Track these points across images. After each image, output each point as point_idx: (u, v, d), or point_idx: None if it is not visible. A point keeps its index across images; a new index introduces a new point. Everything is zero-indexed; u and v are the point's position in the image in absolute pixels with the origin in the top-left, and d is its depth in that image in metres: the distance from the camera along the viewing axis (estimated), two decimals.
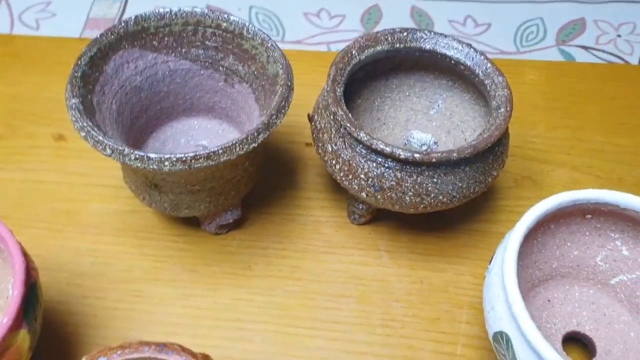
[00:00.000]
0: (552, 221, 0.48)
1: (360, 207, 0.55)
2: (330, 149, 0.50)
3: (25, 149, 0.63)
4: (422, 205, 0.48)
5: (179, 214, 0.52)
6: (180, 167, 0.43)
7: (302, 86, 0.69)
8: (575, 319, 0.49)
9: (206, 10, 0.52)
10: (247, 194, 0.54)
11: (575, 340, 0.50)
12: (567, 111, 0.68)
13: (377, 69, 0.57)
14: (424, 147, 0.58)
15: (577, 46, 0.80)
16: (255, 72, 0.52)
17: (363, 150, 0.48)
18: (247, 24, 0.52)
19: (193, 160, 0.43)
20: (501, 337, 0.41)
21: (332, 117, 0.50)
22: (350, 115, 0.48)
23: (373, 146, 0.46)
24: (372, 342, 0.51)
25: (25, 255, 0.41)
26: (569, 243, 0.49)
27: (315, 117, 0.52)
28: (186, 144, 0.58)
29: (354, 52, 0.52)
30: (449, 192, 0.48)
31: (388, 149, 0.46)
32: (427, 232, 0.57)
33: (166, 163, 0.43)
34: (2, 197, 0.59)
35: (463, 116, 0.57)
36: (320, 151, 0.51)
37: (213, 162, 0.43)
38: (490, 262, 0.45)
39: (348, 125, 0.47)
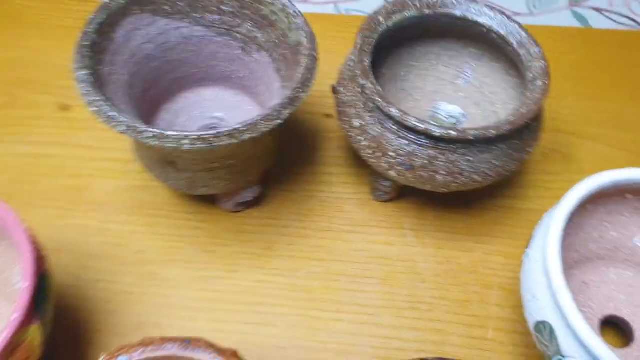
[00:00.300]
0: (590, 202, 0.45)
1: (386, 184, 0.52)
2: (356, 124, 0.47)
3: (28, 119, 0.60)
4: (454, 185, 0.46)
5: (196, 192, 0.49)
6: (200, 145, 0.40)
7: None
8: (612, 302, 0.47)
9: None
10: (267, 170, 0.51)
11: (611, 324, 0.48)
12: (596, 80, 0.65)
13: (401, 36, 0.53)
14: (452, 120, 0.55)
15: (591, 8, 0.76)
16: (276, 40, 0.49)
17: (394, 126, 0.45)
18: None
19: (214, 139, 0.40)
20: (544, 327, 0.39)
21: (359, 90, 0.47)
22: (380, 88, 0.45)
23: (405, 123, 0.43)
24: (399, 326, 0.49)
25: (34, 243, 0.38)
26: (606, 224, 0.47)
27: (341, 89, 0.49)
28: (200, 116, 0.54)
29: (380, 18, 0.49)
30: (484, 170, 0.45)
31: (421, 126, 0.42)
32: (453, 209, 0.55)
33: (185, 141, 0.39)
34: (3, 173, 0.56)
35: (493, 87, 0.54)
36: (345, 126, 0.48)
37: (236, 141, 0.40)
38: (528, 245, 0.43)
39: (379, 100, 0.44)
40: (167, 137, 0.39)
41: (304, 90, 0.43)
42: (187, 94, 0.55)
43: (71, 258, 0.51)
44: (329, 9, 0.75)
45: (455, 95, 0.56)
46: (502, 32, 0.50)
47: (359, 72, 0.45)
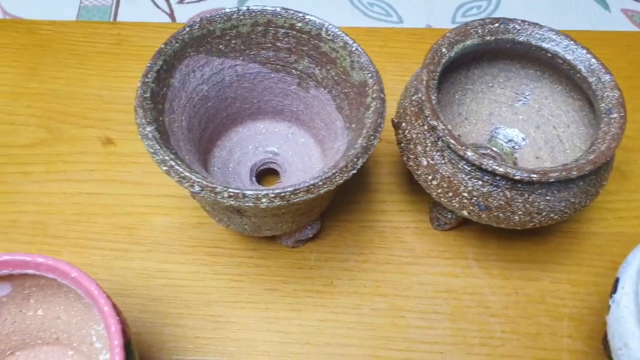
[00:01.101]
0: None
1: (449, 215, 0.51)
2: (425, 163, 0.45)
3: (72, 155, 0.58)
4: (531, 224, 0.45)
5: (260, 235, 0.48)
6: (278, 203, 0.38)
7: None
8: None
9: (278, 9, 0.47)
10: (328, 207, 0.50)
11: None
12: None
13: (459, 60, 0.52)
14: (511, 144, 0.54)
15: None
16: (336, 78, 0.47)
17: (466, 166, 0.43)
18: (325, 24, 0.46)
19: (292, 196, 0.39)
20: None
21: (426, 127, 0.45)
22: (450, 128, 0.43)
23: (483, 166, 0.42)
24: None
25: (119, 313, 0.37)
26: None
27: (403, 124, 0.48)
28: (254, 150, 0.53)
29: (443, 49, 0.47)
30: (561, 209, 0.44)
31: (501, 169, 0.41)
32: (515, 235, 0.54)
33: (263, 200, 0.38)
34: (54, 213, 0.54)
35: (554, 109, 0.53)
36: (411, 164, 0.47)
37: (312, 195, 0.39)
38: (615, 291, 0.42)
39: (452, 142, 0.42)
40: (246, 196, 0.38)
41: (376, 137, 0.42)
42: (239, 128, 0.53)
43: (134, 302, 0.50)
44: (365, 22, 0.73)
45: (514, 118, 0.54)
46: (569, 57, 0.48)
47: (428, 112, 0.44)
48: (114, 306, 0.38)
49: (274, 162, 0.53)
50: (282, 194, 0.38)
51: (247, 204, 0.38)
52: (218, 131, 0.52)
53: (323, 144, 0.51)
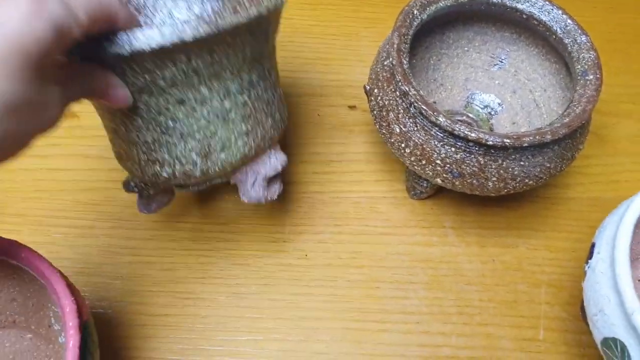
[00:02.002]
0: None
1: (424, 184, 0.50)
2: (397, 130, 0.44)
3: None
4: (505, 190, 0.43)
5: (215, 168, 0.40)
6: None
7: (331, 36, 0.62)
8: None
9: None
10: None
11: None
12: (628, 53, 0.62)
13: (432, 23, 0.50)
14: (487, 110, 0.52)
15: None
16: None
17: (439, 133, 0.42)
18: None
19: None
20: (614, 344, 0.37)
21: (398, 94, 0.43)
22: (422, 94, 0.41)
23: (455, 132, 0.40)
24: (448, 333, 0.47)
25: (73, 292, 0.36)
26: None
27: (375, 91, 0.46)
28: None
29: (415, 11, 0.45)
30: (536, 174, 0.43)
31: (473, 135, 0.40)
32: (492, 203, 0.53)
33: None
34: (15, 191, 0.52)
35: (530, 73, 0.51)
36: (383, 131, 0.45)
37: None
38: (590, 256, 0.41)
39: (424, 108, 0.41)
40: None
41: None
42: None
43: (99, 281, 0.49)
44: None
45: (490, 83, 0.53)
46: (544, 18, 0.46)
47: (399, 77, 0.42)
48: (69, 286, 0.36)
49: None
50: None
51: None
52: None
53: None
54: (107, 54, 0.32)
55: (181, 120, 0.38)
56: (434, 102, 0.52)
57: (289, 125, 0.55)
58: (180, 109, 0.37)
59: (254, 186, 0.43)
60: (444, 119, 0.40)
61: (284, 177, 0.53)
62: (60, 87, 0.30)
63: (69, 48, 0.28)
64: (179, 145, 0.38)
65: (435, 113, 0.40)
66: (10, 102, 0.26)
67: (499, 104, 0.52)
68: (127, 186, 0.44)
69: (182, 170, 0.39)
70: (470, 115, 0.53)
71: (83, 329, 0.35)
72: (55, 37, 0.27)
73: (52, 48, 0.27)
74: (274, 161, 0.43)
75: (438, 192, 0.53)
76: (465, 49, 0.53)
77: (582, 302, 0.47)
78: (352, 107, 0.57)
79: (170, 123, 0.38)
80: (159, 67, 0.34)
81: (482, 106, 0.53)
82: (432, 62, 0.53)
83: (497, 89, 0.52)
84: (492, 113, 0.52)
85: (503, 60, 0.52)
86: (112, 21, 0.30)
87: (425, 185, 0.50)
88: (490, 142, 0.40)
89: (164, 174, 0.40)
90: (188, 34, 0.33)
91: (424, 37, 0.51)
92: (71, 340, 0.34)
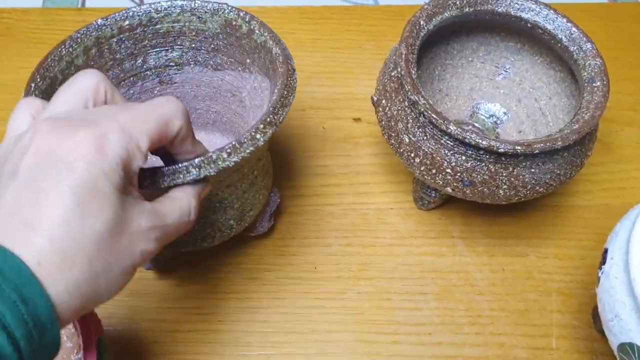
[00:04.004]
0: None
1: (433, 194, 0.50)
2: (407, 140, 0.44)
3: None
4: (516, 198, 0.43)
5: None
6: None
7: (335, 50, 0.63)
8: None
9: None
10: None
11: None
12: (626, 60, 0.63)
13: (437, 33, 0.50)
14: (493, 119, 0.53)
15: None
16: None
17: (449, 142, 0.42)
18: None
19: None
20: (631, 349, 0.37)
21: (407, 104, 0.44)
22: (431, 103, 0.42)
23: (466, 140, 0.40)
24: (460, 343, 0.47)
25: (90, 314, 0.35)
26: None
27: (383, 102, 0.46)
28: None
29: (422, 22, 0.46)
30: (546, 181, 0.43)
31: (484, 142, 0.40)
32: (500, 212, 0.53)
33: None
34: None
35: (535, 82, 0.52)
36: (393, 142, 0.45)
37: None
38: (604, 262, 0.41)
39: (434, 117, 0.41)
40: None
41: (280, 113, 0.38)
42: None
43: None
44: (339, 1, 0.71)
45: (495, 92, 0.53)
46: (549, 27, 0.47)
47: (408, 87, 0.42)
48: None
49: None
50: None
51: None
52: None
53: None
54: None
55: (226, 199, 0.42)
56: None
57: (294, 139, 0.55)
58: (227, 190, 0.42)
59: (261, 223, 0.49)
60: (454, 127, 0.40)
61: (292, 190, 0.53)
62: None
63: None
64: (221, 218, 0.43)
65: (445, 122, 0.40)
66: (104, 229, 0.26)
67: (504, 113, 0.53)
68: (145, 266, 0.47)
69: (220, 237, 0.44)
70: (476, 124, 0.53)
71: (98, 343, 0.35)
72: (123, 169, 0.27)
73: (122, 178, 0.27)
74: (275, 199, 0.49)
75: (445, 203, 0.53)
76: (470, 59, 0.53)
77: (594, 309, 0.48)
78: (357, 120, 0.58)
79: (218, 205, 0.42)
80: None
81: (487, 115, 0.53)
82: (437, 72, 0.53)
83: (503, 98, 0.53)
84: (498, 122, 0.53)
85: (508, 70, 0.52)
86: (171, 136, 0.30)
87: (433, 195, 0.50)
88: (502, 150, 0.40)
89: (204, 245, 0.44)
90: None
91: (428, 48, 0.51)
92: (88, 356, 0.33)
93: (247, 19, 0.44)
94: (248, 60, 0.46)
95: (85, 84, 0.29)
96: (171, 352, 0.46)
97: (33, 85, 0.39)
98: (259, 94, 0.46)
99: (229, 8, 0.44)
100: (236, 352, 0.46)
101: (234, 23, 0.45)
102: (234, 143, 0.35)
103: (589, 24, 0.64)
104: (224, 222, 0.43)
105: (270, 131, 0.37)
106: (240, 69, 0.47)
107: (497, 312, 0.48)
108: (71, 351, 0.40)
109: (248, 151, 0.36)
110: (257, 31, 0.44)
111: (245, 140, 0.36)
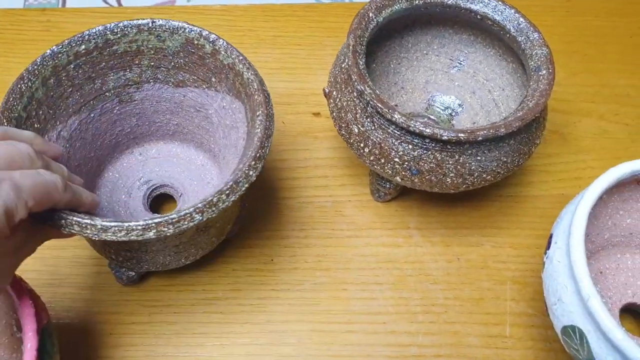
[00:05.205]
0: (605, 192, 0.44)
1: (387, 185, 0.50)
2: (356, 130, 0.44)
3: None
4: (464, 186, 0.44)
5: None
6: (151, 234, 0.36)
7: (296, 46, 0.63)
8: (630, 289, 0.46)
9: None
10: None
11: (630, 311, 0.47)
12: (585, 54, 0.64)
13: (390, 26, 0.51)
14: (448, 111, 0.53)
15: None
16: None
17: (396, 131, 0.42)
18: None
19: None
20: (573, 332, 0.38)
21: (356, 94, 0.44)
22: (378, 92, 0.42)
23: (411, 128, 0.41)
24: (414, 332, 0.47)
25: (32, 297, 0.36)
26: (621, 212, 0.46)
27: (334, 93, 0.47)
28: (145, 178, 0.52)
29: (370, 14, 0.46)
30: (493, 169, 0.43)
31: (428, 131, 0.40)
32: (456, 202, 0.53)
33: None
34: None
35: (489, 74, 0.52)
36: (343, 132, 0.46)
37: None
38: (548, 246, 0.41)
39: (380, 106, 0.41)
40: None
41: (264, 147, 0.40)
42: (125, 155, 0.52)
43: (66, 292, 0.48)
44: None
45: (450, 85, 0.54)
46: (498, 18, 0.48)
47: (355, 77, 0.42)
48: (29, 291, 0.36)
49: (170, 187, 0.51)
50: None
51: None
52: (104, 160, 0.50)
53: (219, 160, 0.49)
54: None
55: (211, 221, 0.43)
56: (396, 105, 0.53)
57: None
58: (214, 217, 0.40)
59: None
60: (399, 116, 0.41)
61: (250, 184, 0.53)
62: (6, 258, 0.33)
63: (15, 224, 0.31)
64: (205, 238, 0.44)
65: (390, 111, 0.41)
66: None
67: (459, 104, 0.53)
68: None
69: (202, 253, 0.46)
70: (432, 117, 0.53)
71: (42, 332, 0.35)
72: (5, 217, 0.30)
73: (2, 226, 0.30)
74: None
75: (402, 195, 0.53)
76: (424, 52, 0.54)
77: None
78: (316, 114, 0.58)
79: (203, 229, 0.43)
80: None
81: (442, 107, 0.54)
82: (392, 66, 0.53)
83: (457, 90, 0.53)
84: (453, 114, 0.53)
85: (462, 62, 0.53)
86: (54, 203, 0.34)
87: (388, 187, 0.50)
88: (445, 137, 0.40)
89: (187, 262, 0.45)
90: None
91: (383, 41, 0.52)
92: (29, 343, 0.34)
93: (210, 39, 0.44)
94: (213, 79, 0.46)
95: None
96: (127, 343, 0.46)
97: None
98: (230, 115, 0.46)
99: (190, 27, 0.45)
100: (192, 342, 0.47)
101: (195, 42, 0.45)
102: (230, 183, 0.37)
103: (548, 19, 0.66)
104: (207, 240, 0.45)
105: (261, 165, 0.39)
106: (205, 86, 0.47)
107: (451, 300, 0.49)
108: (21, 341, 0.40)
109: (244, 188, 0.37)
110: (223, 52, 0.44)
111: (241, 179, 0.37)
